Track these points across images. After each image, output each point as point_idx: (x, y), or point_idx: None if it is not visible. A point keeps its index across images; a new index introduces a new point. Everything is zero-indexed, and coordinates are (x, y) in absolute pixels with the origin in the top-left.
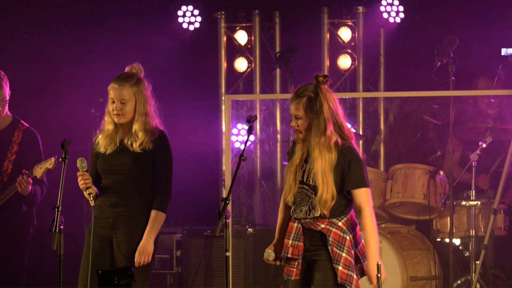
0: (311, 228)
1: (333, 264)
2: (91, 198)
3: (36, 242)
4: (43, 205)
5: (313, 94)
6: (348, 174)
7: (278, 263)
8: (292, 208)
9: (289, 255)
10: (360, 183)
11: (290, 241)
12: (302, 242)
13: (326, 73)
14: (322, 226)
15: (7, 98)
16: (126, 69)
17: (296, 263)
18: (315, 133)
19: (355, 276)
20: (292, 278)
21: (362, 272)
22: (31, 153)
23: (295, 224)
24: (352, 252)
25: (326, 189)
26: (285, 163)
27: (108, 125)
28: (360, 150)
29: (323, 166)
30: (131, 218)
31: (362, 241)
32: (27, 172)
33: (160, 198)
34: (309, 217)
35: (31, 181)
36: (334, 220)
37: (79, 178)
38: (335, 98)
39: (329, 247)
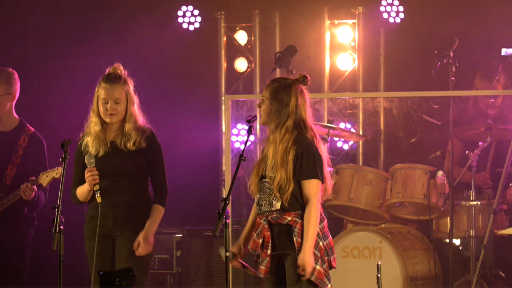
0: (278, 223)
1: (297, 254)
2: (98, 195)
3: (36, 242)
4: (43, 205)
5: (284, 85)
6: (300, 165)
7: (237, 264)
8: (257, 203)
9: (249, 248)
10: (309, 174)
11: (255, 235)
12: (260, 239)
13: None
14: (289, 218)
15: (16, 94)
16: (108, 70)
17: (265, 260)
18: (272, 119)
19: (317, 267)
20: (262, 275)
21: (330, 265)
22: (36, 158)
23: (262, 221)
24: (321, 244)
25: (279, 173)
26: None
27: (95, 126)
28: (322, 149)
29: (277, 150)
30: (134, 218)
31: (330, 236)
32: (33, 178)
33: (159, 194)
34: (273, 209)
35: (35, 188)
36: (301, 212)
37: (88, 174)
38: (306, 98)
39: (294, 238)
